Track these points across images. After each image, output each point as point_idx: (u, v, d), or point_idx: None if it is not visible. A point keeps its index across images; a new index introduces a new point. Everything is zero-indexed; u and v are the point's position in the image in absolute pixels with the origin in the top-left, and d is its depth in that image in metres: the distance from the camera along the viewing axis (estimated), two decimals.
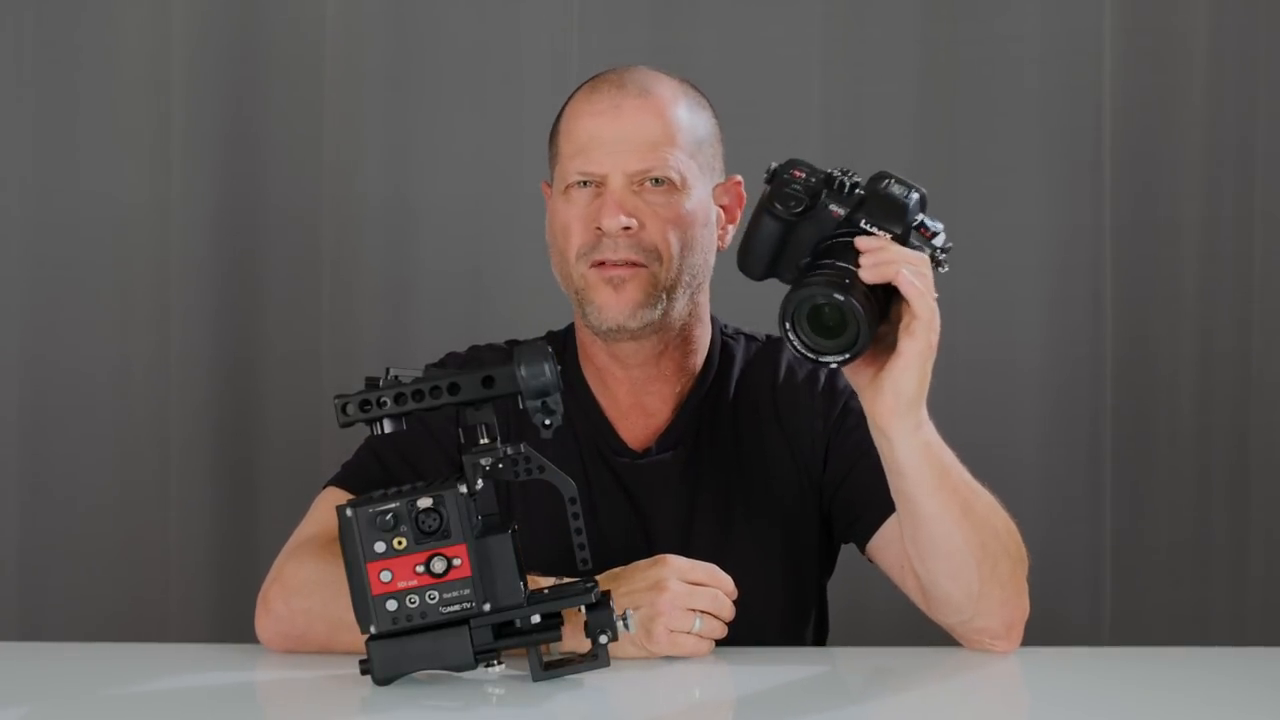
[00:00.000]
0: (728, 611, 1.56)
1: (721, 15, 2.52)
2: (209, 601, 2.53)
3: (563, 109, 1.77)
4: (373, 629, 1.43)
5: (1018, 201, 2.52)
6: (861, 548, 1.74)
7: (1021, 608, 1.63)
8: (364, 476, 1.73)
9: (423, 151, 2.53)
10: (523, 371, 1.42)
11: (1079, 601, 2.51)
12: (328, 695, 1.50)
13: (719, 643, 1.57)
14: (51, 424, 2.54)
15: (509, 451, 1.44)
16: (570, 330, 1.84)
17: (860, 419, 1.70)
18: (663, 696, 1.49)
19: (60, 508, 2.54)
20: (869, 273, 1.49)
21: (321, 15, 2.52)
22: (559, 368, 1.43)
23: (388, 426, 1.44)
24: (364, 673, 1.45)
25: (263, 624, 1.64)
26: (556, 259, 1.75)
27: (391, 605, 1.42)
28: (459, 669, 1.45)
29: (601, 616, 1.45)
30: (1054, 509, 2.51)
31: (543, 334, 1.86)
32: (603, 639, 1.44)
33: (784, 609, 1.77)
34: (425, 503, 1.42)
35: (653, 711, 1.46)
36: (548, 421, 1.43)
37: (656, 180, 1.70)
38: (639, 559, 1.60)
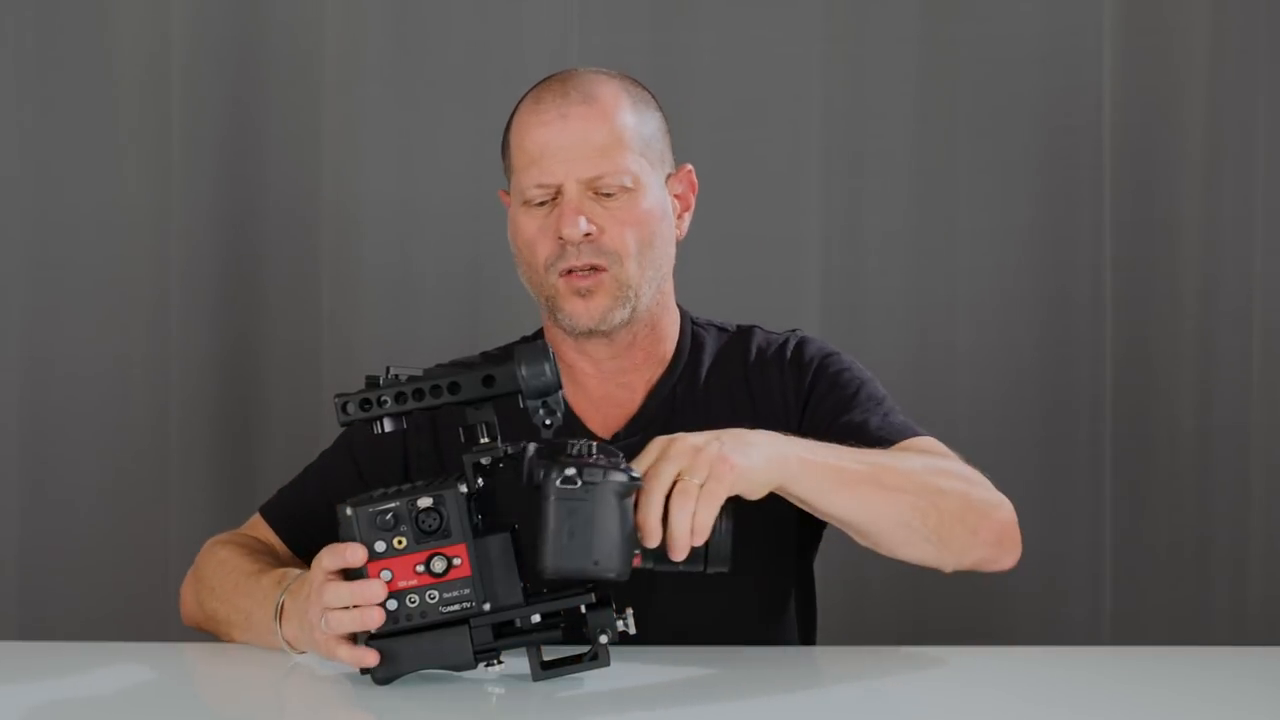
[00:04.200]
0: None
1: (721, 15, 2.52)
2: None
3: (511, 119, 1.79)
4: (372, 629, 1.43)
5: (1018, 201, 2.52)
6: None
7: (997, 521, 1.63)
8: (287, 508, 1.83)
9: (423, 151, 2.52)
10: (523, 371, 1.43)
11: (1079, 601, 2.51)
12: (328, 695, 1.50)
13: (712, 641, 1.58)
14: (51, 424, 2.54)
15: (509, 450, 1.44)
16: (538, 335, 1.87)
17: (834, 382, 1.75)
18: (664, 697, 1.49)
19: (60, 508, 2.54)
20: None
21: (321, 15, 2.52)
22: (558, 368, 1.44)
23: (388, 425, 1.44)
24: (363, 672, 1.45)
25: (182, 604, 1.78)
26: (524, 268, 1.77)
27: (392, 605, 1.42)
28: (459, 669, 1.44)
29: (601, 616, 1.44)
30: (1054, 509, 2.50)
31: (516, 340, 1.89)
32: (603, 639, 1.44)
33: (760, 589, 1.77)
34: (425, 502, 1.42)
35: (652, 712, 1.46)
36: (548, 421, 1.43)
37: (608, 191, 1.71)
38: None
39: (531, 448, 1.44)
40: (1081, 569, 2.51)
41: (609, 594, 1.47)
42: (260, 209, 2.54)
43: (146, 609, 2.52)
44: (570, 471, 1.39)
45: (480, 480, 1.44)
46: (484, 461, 1.44)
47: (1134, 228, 2.51)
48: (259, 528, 1.83)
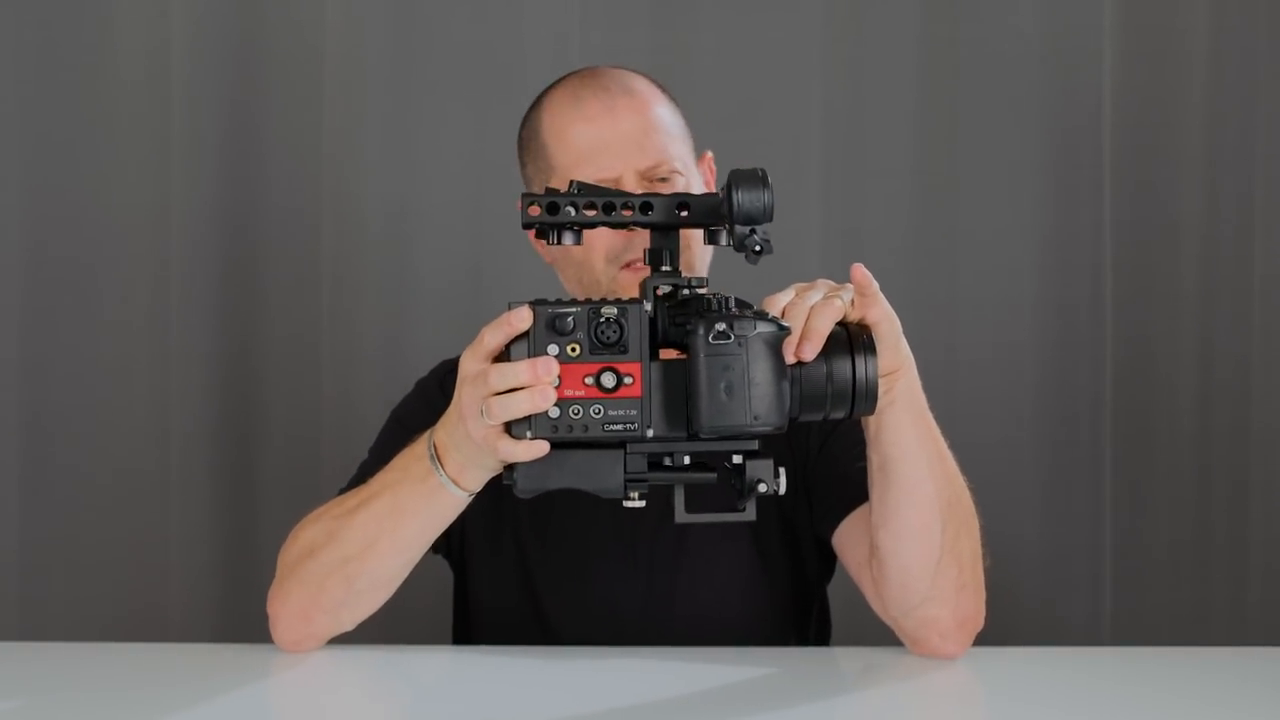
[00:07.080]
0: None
1: (721, 15, 2.52)
2: (209, 601, 2.53)
3: (538, 119, 1.75)
4: (529, 434, 1.35)
5: (1018, 201, 2.52)
6: (829, 536, 1.71)
7: (976, 605, 1.59)
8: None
9: (423, 151, 2.52)
10: (739, 196, 1.35)
11: (1079, 601, 2.51)
12: (328, 695, 1.50)
13: (715, 642, 1.59)
14: (51, 424, 2.54)
15: (693, 283, 1.38)
16: None
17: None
18: (666, 697, 1.49)
19: (60, 508, 2.54)
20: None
21: (321, 16, 2.51)
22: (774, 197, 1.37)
23: (567, 239, 1.40)
24: (506, 483, 1.39)
25: (275, 609, 1.59)
26: (574, 269, 1.73)
27: (554, 413, 1.34)
28: (607, 493, 1.37)
29: (760, 466, 1.36)
30: (1054, 509, 2.51)
31: None
32: (762, 487, 1.36)
33: (765, 609, 1.77)
34: (610, 311, 1.35)
35: (650, 712, 1.46)
36: (758, 249, 1.36)
37: (663, 177, 1.70)
38: (617, 551, 1.67)
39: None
40: (1081, 569, 2.51)
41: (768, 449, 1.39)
42: (260, 209, 2.54)
43: (146, 609, 2.53)
44: (721, 326, 1.32)
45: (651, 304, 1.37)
46: (662, 290, 1.38)
47: (1134, 228, 2.51)
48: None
